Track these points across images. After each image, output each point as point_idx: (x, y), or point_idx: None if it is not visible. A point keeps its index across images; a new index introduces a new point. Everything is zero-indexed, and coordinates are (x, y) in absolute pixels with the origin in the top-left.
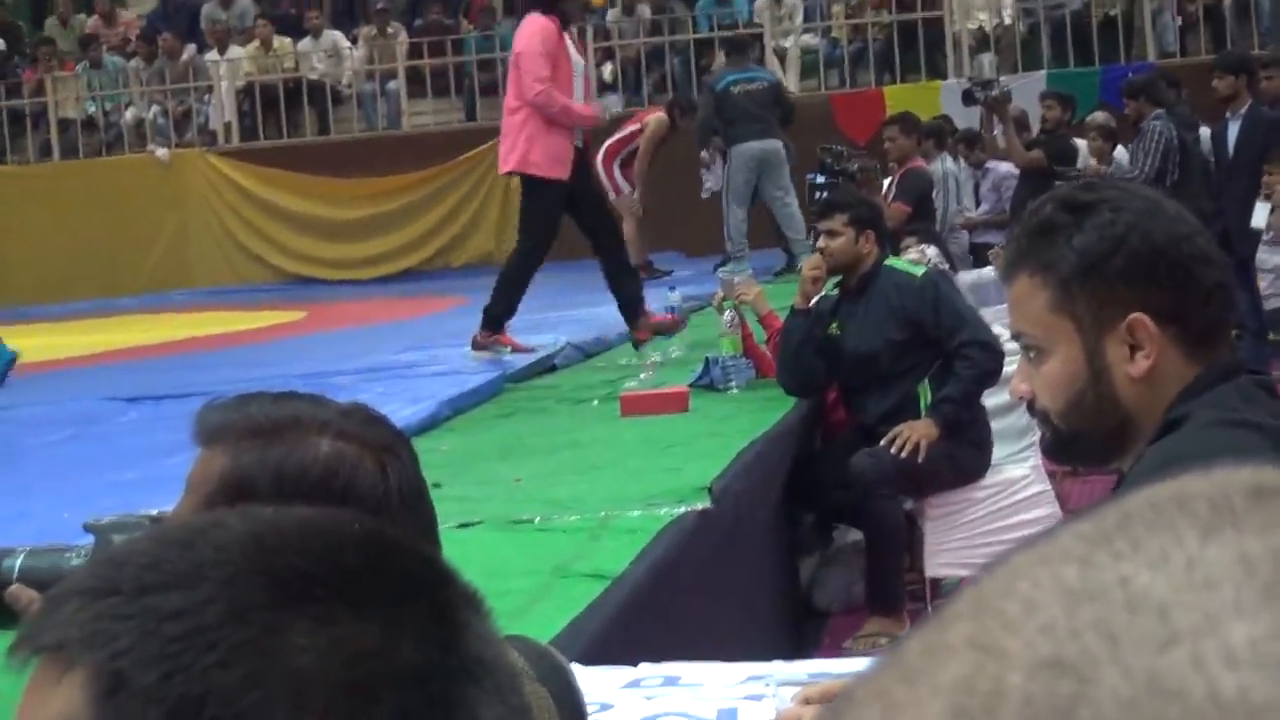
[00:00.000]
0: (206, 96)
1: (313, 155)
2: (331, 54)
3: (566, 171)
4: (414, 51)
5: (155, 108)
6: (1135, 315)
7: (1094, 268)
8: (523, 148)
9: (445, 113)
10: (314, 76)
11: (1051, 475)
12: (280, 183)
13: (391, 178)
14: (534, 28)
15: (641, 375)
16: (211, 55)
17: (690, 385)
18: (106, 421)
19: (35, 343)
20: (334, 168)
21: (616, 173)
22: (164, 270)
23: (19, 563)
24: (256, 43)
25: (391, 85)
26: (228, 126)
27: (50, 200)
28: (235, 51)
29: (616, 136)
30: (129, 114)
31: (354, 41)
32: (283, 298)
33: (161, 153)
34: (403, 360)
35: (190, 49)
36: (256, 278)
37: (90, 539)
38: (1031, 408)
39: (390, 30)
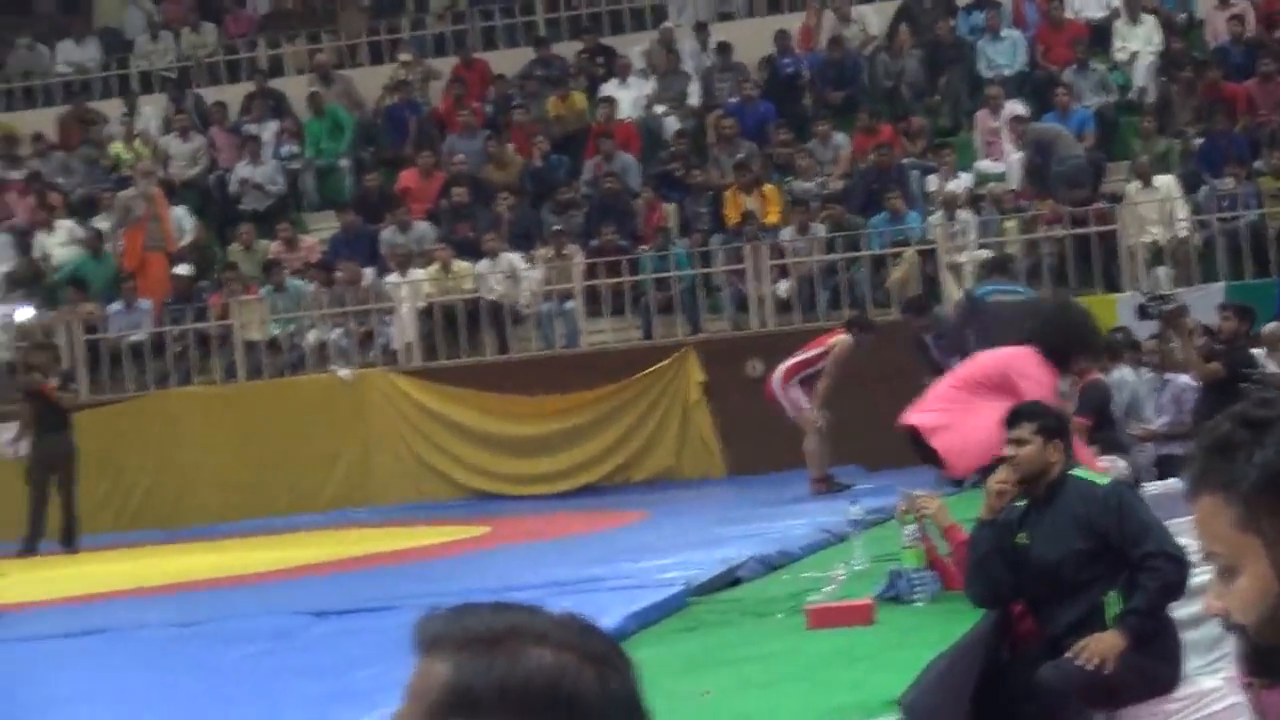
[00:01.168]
0: (387, 317)
1: (493, 373)
2: (509, 275)
3: None
4: (590, 271)
5: (337, 330)
6: None
7: (1277, 483)
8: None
9: (622, 330)
10: (492, 297)
11: (1247, 686)
12: (462, 400)
13: (571, 395)
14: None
15: (826, 588)
16: (393, 277)
17: (875, 598)
18: (297, 635)
19: (225, 559)
20: (514, 385)
21: (794, 390)
22: (347, 487)
23: None
24: (437, 265)
25: (569, 305)
26: (409, 346)
27: (235, 420)
28: (415, 273)
29: (798, 358)
30: (311, 336)
31: (531, 262)
32: (466, 513)
33: (345, 373)
34: (587, 574)
35: (369, 272)
36: (439, 494)
37: None
38: (1227, 622)
39: (566, 251)
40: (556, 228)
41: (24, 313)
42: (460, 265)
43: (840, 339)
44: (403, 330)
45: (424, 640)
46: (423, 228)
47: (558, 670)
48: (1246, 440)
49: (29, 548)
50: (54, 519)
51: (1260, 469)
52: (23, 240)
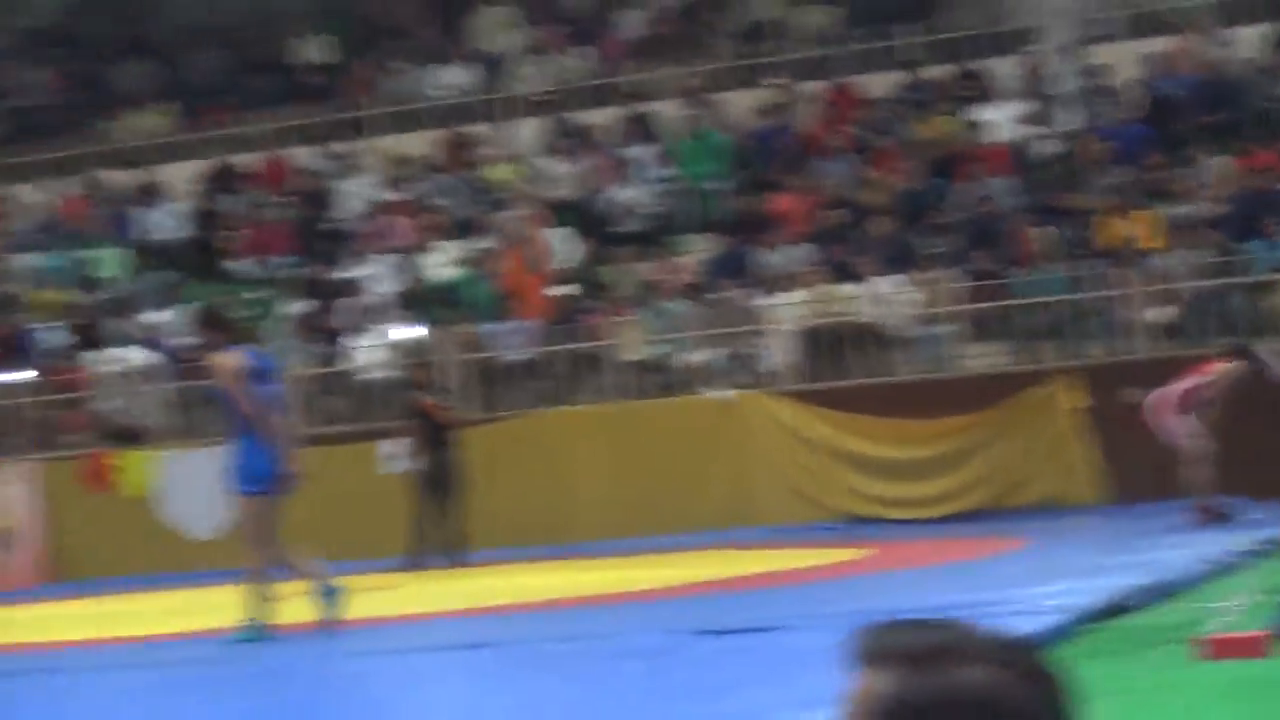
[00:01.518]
0: (762, 339)
1: (868, 397)
2: (881, 299)
3: None
4: (966, 296)
5: (712, 350)
6: None
7: None
8: None
9: (997, 355)
10: (866, 320)
11: None
12: (838, 423)
13: (948, 419)
14: None
15: (1218, 619)
16: (768, 299)
17: (1270, 631)
18: (681, 653)
19: (608, 576)
20: (890, 409)
21: (1177, 418)
22: (726, 507)
23: None
24: (812, 287)
25: (943, 328)
26: (785, 368)
27: (616, 439)
28: (789, 295)
29: (1184, 385)
30: (687, 356)
31: (906, 286)
32: (844, 536)
33: (726, 394)
34: (971, 600)
35: (742, 294)
36: (816, 516)
37: None
38: None
39: (939, 275)
40: (930, 251)
41: (409, 332)
42: (835, 288)
43: (1228, 366)
44: (779, 352)
45: (864, 654)
46: (797, 250)
47: (996, 687)
48: None
49: (416, 562)
50: (441, 534)
51: None
52: (406, 261)
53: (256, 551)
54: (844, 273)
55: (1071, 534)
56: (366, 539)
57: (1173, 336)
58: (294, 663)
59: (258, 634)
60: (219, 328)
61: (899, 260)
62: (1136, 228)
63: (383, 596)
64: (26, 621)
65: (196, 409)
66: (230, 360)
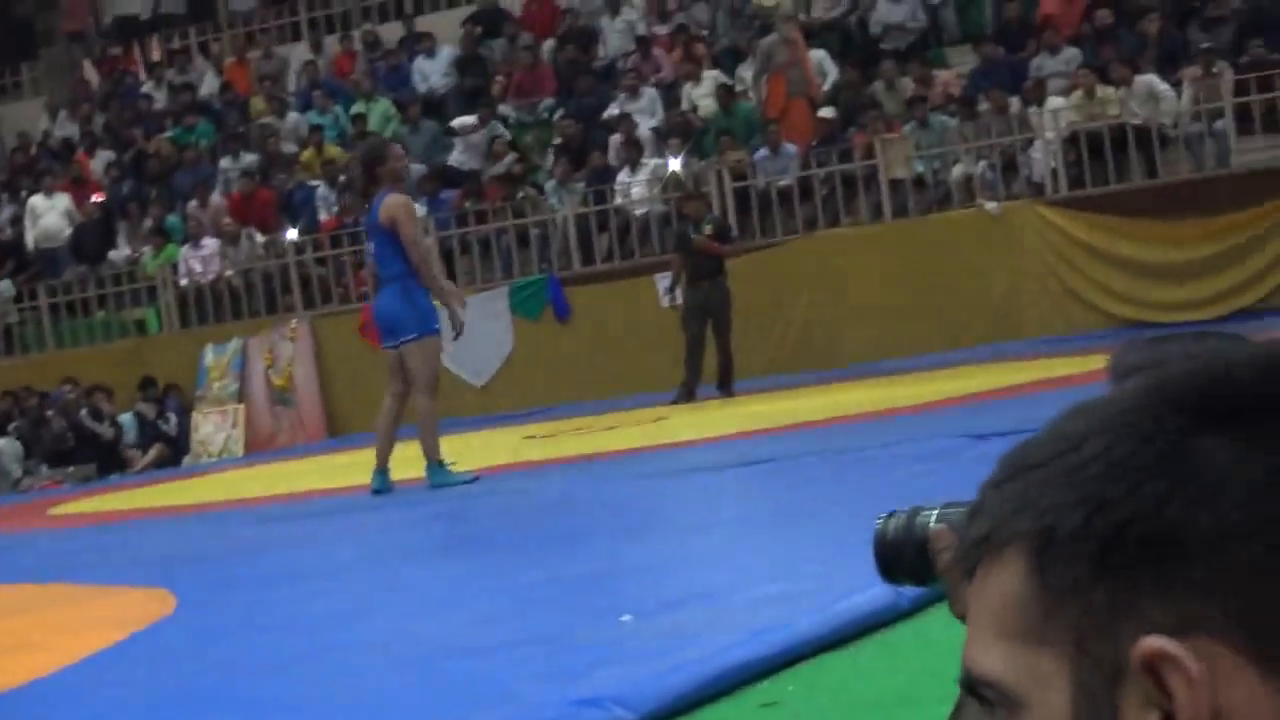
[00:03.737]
0: (1031, 149)
1: (1141, 200)
2: (1150, 98)
3: None
4: (1240, 88)
5: (982, 163)
6: None
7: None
8: None
9: (1276, 149)
10: (1137, 121)
11: None
12: (1111, 229)
13: (1224, 217)
14: None
15: None
16: (1041, 106)
17: None
18: (956, 456)
19: (881, 394)
20: (1164, 211)
21: None
22: (998, 322)
23: (934, 517)
24: (1080, 92)
25: (1219, 124)
26: (1055, 175)
27: (885, 259)
28: (1056, 102)
29: None
30: (956, 170)
31: (1177, 85)
32: (1118, 343)
33: (992, 206)
34: None
35: (1013, 102)
36: (1090, 324)
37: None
38: None
39: (1215, 69)
40: (1205, 45)
41: (674, 164)
42: (1105, 91)
43: None
44: (1048, 160)
45: (1121, 369)
46: (1069, 53)
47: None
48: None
49: (686, 393)
50: (710, 365)
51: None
52: (670, 93)
53: (432, 394)
54: (1112, 75)
55: None
56: (644, 375)
57: None
58: (557, 491)
59: (445, 476)
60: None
61: (1173, 58)
62: None
63: (655, 427)
64: (308, 473)
65: (469, 257)
66: (409, 202)
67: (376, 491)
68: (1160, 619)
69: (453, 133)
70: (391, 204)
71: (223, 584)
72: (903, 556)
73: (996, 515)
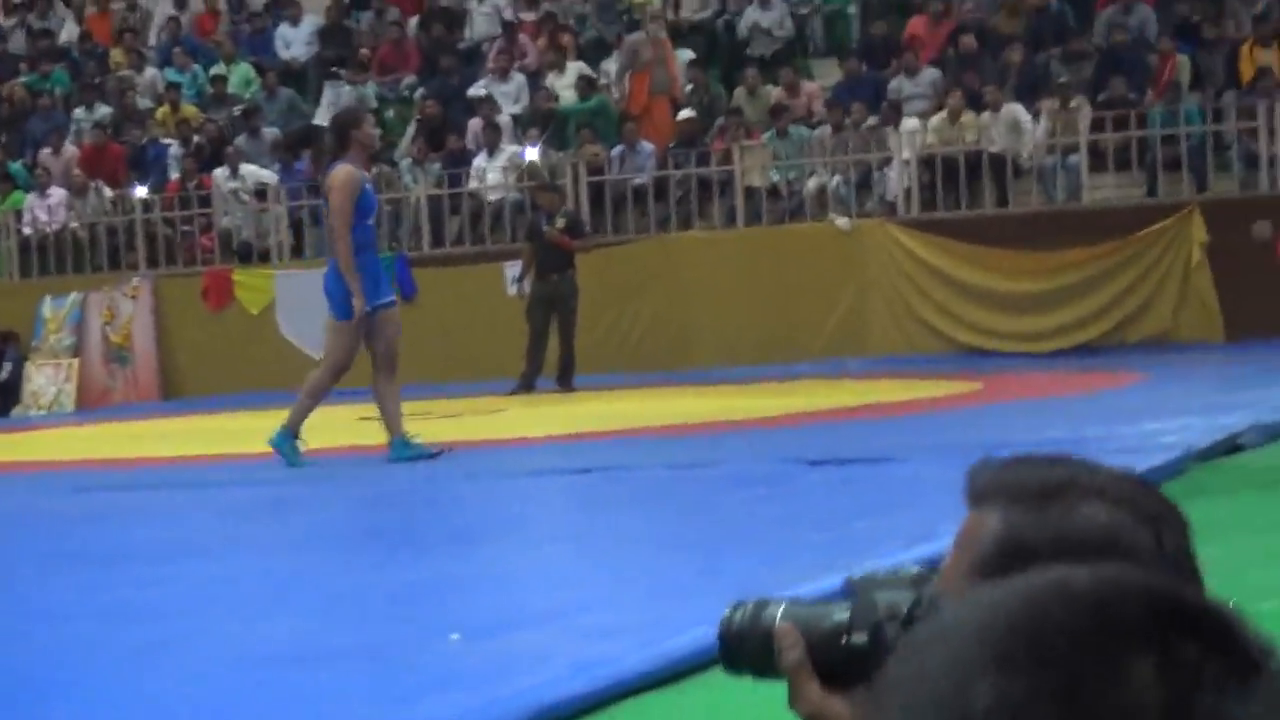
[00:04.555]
0: (886, 167)
1: (991, 227)
2: (1013, 128)
3: None
4: (1097, 125)
5: (837, 177)
6: None
7: None
8: None
9: (1126, 187)
10: (994, 149)
11: None
12: (958, 254)
13: (1071, 251)
14: None
15: None
16: (900, 126)
17: None
18: (790, 483)
19: (720, 404)
20: (1012, 240)
21: None
22: (840, 337)
23: (780, 612)
24: (944, 114)
25: (1072, 159)
26: (908, 195)
27: (735, 266)
28: (912, 124)
29: None
30: (811, 183)
31: (1036, 115)
32: (957, 368)
33: (842, 222)
34: (1082, 435)
35: (871, 119)
36: (931, 348)
37: (848, 595)
38: None
39: (1073, 104)
40: (1064, 79)
41: (531, 153)
42: (968, 116)
43: None
44: (902, 180)
45: (975, 491)
46: (929, 74)
47: (1114, 528)
48: None
49: (526, 385)
50: (551, 358)
51: None
52: (534, 81)
53: (330, 374)
54: (974, 100)
55: (1189, 371)
56: (483, 361)
57: None
58: (394, 482)
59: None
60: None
61: (1032, 88)
62: (1278, 59)
63: (491, 419)
64: (141, 436)
65: (317, 229)
66: (350, 173)
67: (396, 460)
68: None
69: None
70: (334, 173)
71: (41, 557)
72: (746, 649)
73: None
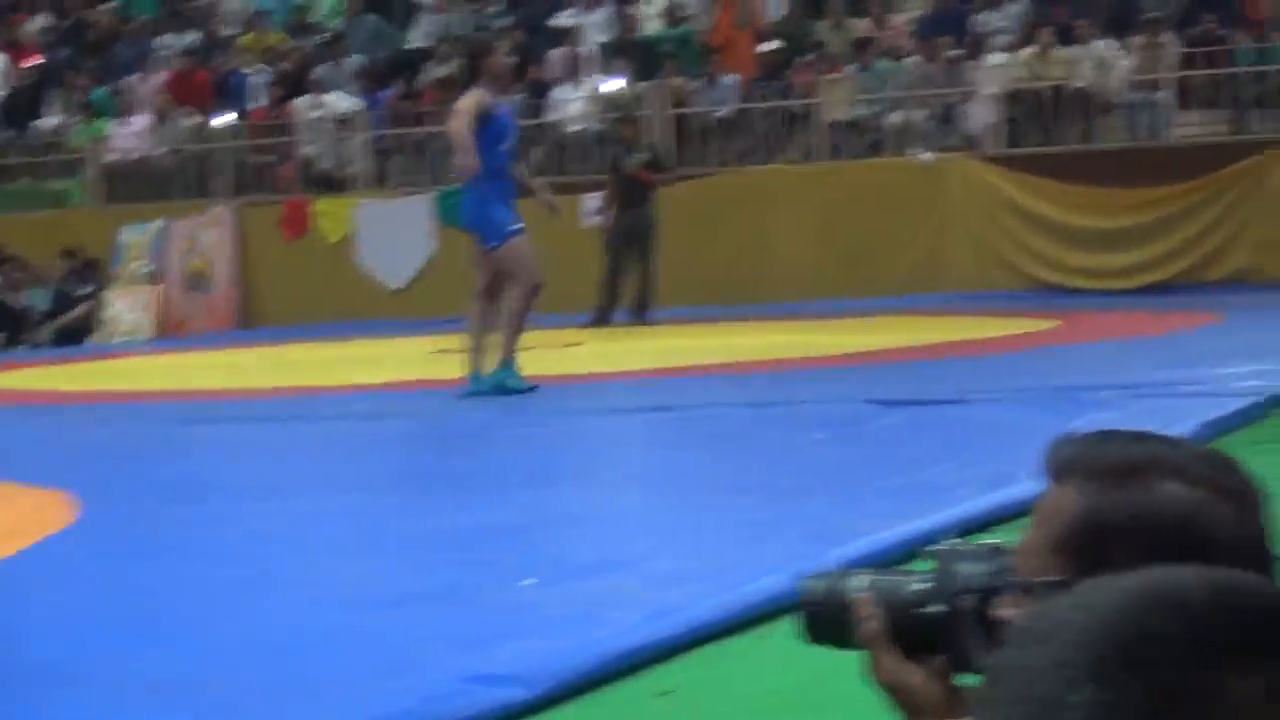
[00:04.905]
0: (971, 102)
1: (1075, 164)
2: (1100, 63)
3: None
4: (1185, 61)
5: (921, 112)
6: None
7: None
8: None
9: (1212, 124)
10: (1081, 84)
11: None
12: (1040, 190)
13: (1153, 189)
14: None
15: None
16: (985, 60)
17: None
18: (865, 424)
19: (797, 340)
20: (1095, 177)
21: None
22: (920, 273)
23: (859, 582)
24: (1036, 48)
25: (1159, 95)
26: (991, 131)
27: (815, 201)
28: (999, 57)
29: None
30: (895, 116)
31: (1124, 51)
32: (1035, 305)
33: (926, 157)
34: (1160, 378)
35: (955, 54)
36: (1009, 284)
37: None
38: None
39: (1162, 40)
40: (1154, 14)
41: (615, 84)
42: (1054, 51)
43: None
44: (985, 115)
45: (1056, 466)
46: (1015, 8)
47: (1193, 506)
48: None
49: (602, 318)
50: (629, 291)
51: None
52: (620, 11)
53: (528, 292)
54: (1062, 35)
55: (1270, 312)
56: (559, 293)
57: None
58: (471, 420)
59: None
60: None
61: (1122, 22)
62: None
63: (568, 354)
64: (220, 367)
65: (399, 158)
66: (476, 98)
67: (473, 394)
68: None
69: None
70: (459, 101)
71: (129, 493)
72: (826, 620)
73: None
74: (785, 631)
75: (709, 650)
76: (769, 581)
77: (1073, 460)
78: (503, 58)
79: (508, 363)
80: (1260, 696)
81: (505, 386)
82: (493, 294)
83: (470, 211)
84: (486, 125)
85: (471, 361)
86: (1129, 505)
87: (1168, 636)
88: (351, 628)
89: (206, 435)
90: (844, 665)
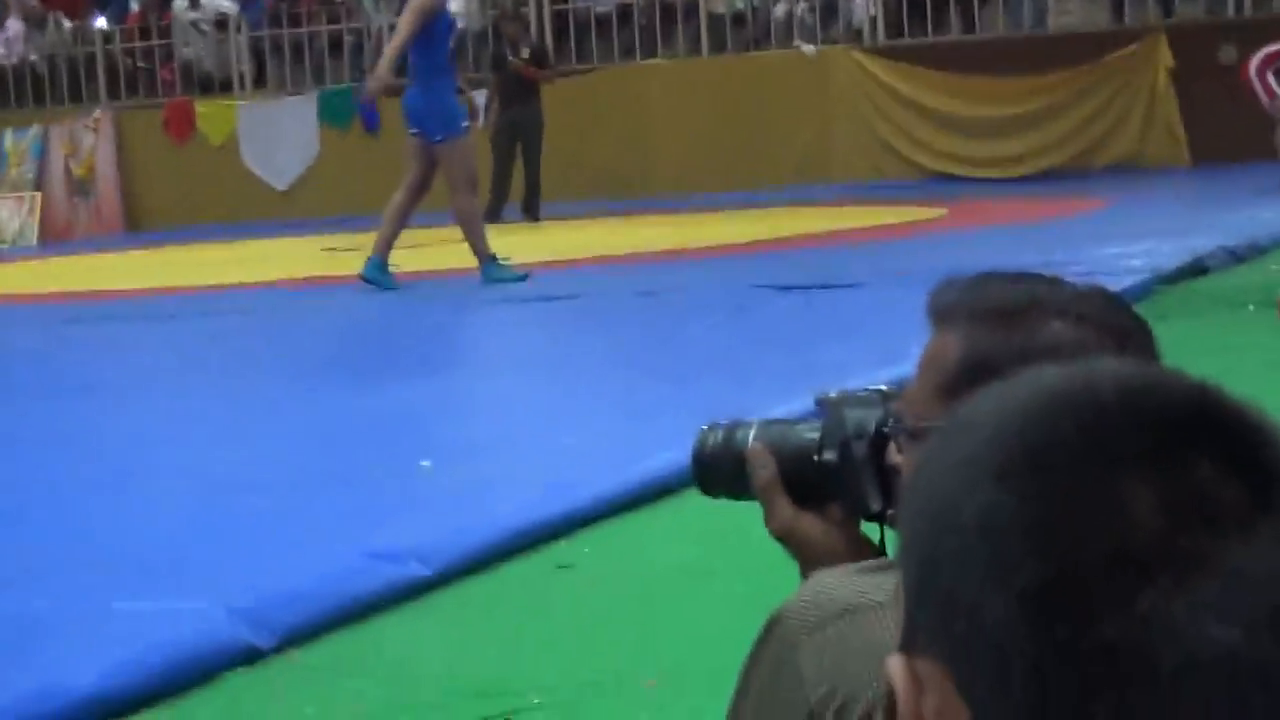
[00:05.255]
0: None
1: (957, 54)
2: None
3: None
4: None
5: (803, 3)
6: None
7: None
8: None
9: (1093, 12)
10: None
11: None
12: (924, 80)
13: (1036, 78)
14: None
15: None
16: None
17: None
18: (757, 309)
19: (684, 233)
20: (978, 66)
21: (1270, 78)
22: (805, 164)
23: (751, 433)
24: None
25: None
26: (874, 23)
27: (699, 94)
28: None
29: (1277, 47)
30: (778, 9)
31: None
32: (923, 194)
33: (808, 49)
34: (1047, 260)
35: None
36: (896, 174)
37: (817, 414)
38: None
39: None
40: None
41: None
42: None
43: None
44: (867, 6)
45: (939, 311)
46: None
47: (1078, 345)
48: None
49: (492, 214)
50: (516, 187)
51: None
52: None
53: (470, 194)
54: None
55: (1154, 195)
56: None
57: None
58: (359, 312)
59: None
60: None
61: None
62: None
63: (456, 249)
64: (106, 269)
65: (279, 59)
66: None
67: (368, 280)
68: None
69: None
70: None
71: (10, 390)
72: (720, 471)
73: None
74: (682, 506)
75: (607, 525)
76: (664, 457)
77: (954, 305)
78: None
79: (489, 263)
80: (1150, 507)
81: (497, 278)
82: (423, 189)
83: (419, 106)
84: (435, 21)
85: (378, 248)
86: (1013, 346)
87: (1071, 440)
88: (245, 510)
89: (88, 335)
90: (739, 537)
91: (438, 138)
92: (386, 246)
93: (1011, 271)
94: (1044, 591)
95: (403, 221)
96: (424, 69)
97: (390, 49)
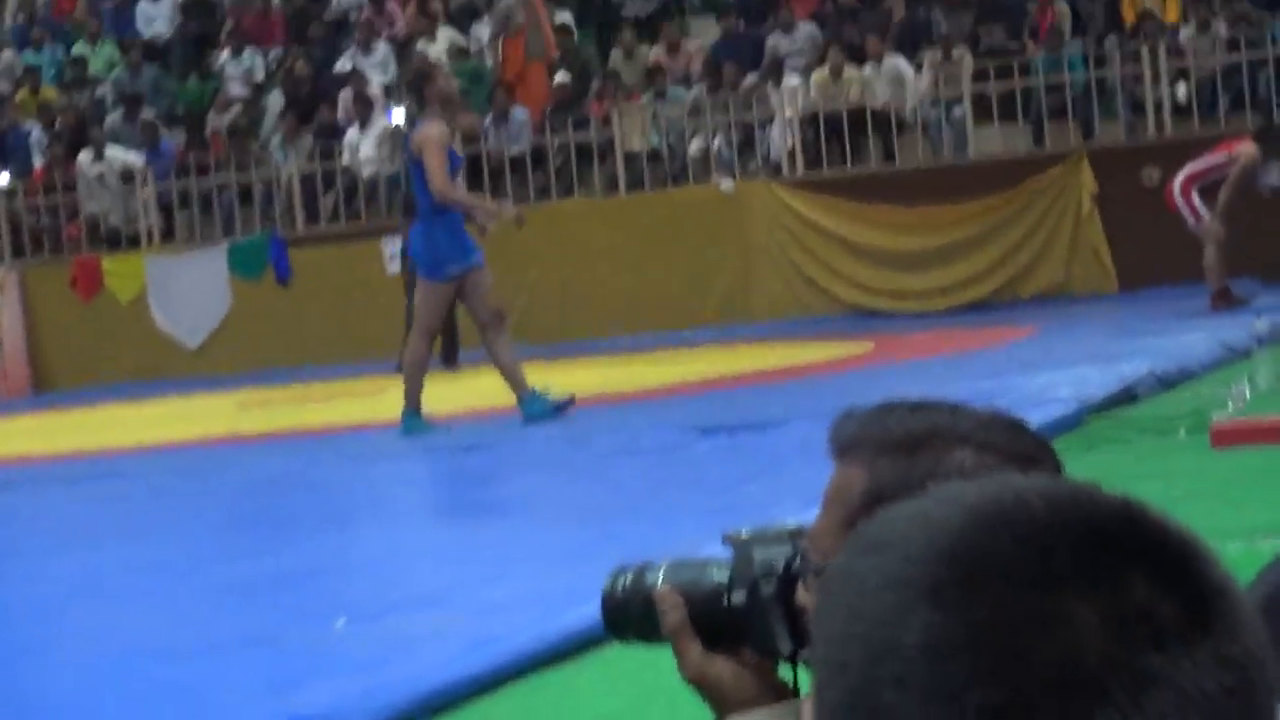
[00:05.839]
0: (769, 126)
1: (877, 184)
2: (895, 81)
3: None
4: (979, 75)
5: (719, 138)
6: None
7: None
8: None
9: (1012, 138)
10: (878, 105)
11: None
12: (845, 213)
13: (958, 206)
14: None
15: (1231, 406)
16: (780, 83)
17: None
18: (684, 450)
19: (608, 375)
20: (899, 196)
21: (1195, 199)
22: (728, 302)
23: (660, 576)
24: (826, 69)
25: (956, 111)
26: (792, 156)
27: (617, 233)
28: (793, 81)
29: (1200, 165)
30: (693, 145)
31: (918, 68)
32: (848, 329)
33: (726, 184)
34: (976, 391)
35: (752, 78)
36: (821, 309)
37: (728, 552)
38: None
39: (955, 54)
40: (945, 29)
41: (403, 121)
42: (848, 71)
43: (1246, 149)
44: (785, 139)
45: (841, 444)
46: (807, 30)
47: (982, 471)
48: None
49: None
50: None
51: None
52: (403, 50)
53: (424, 338)
54: (855, 54)
55: (1082, 322)
56: (364, 341)
57: (1192, 116)
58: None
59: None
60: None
61: (912, 41)
62: (1159, 0)
63: (369, 400)
64: (13, 434)
65: (188, 211)
66: (441, 131)
67: (531, 417)
68: None
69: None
70: (421, 132)
71: None
72: (630, 614)
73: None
74: (605, 658)
75: (529, 681)
76: (587, 609)
77: (855, 437)
78: (446, 80)
79: (410, 413)
80: (1095, 625)
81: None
82: (483, 321)
83: (416, 245)
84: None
85: (513, 389)
86: (916, 477)
87: (1008, 557)
88: (160, 679)
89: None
90: (664, 690)
91: (423, 273)
92: (519, 384)
93: (912, 401)
94: (998, 714)
95: (501, 362)
96: (425, 207)
97: (461, 195)
